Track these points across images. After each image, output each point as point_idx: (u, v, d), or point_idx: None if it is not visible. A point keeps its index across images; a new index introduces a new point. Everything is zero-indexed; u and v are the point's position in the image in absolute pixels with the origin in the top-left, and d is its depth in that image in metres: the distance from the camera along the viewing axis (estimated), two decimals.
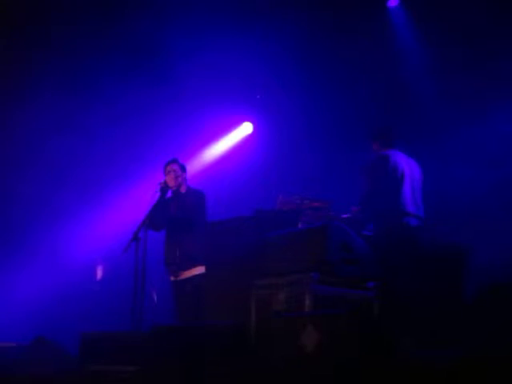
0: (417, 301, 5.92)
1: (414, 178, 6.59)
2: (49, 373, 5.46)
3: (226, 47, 9.16)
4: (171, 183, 6.97)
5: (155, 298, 7.81)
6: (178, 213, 6.90)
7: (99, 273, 9.93)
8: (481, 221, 7.47)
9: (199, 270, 6.68)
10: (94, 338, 5.48)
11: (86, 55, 9.23)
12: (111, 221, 9.79)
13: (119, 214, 9.71)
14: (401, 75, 8.54)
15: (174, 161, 7.14)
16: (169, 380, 4.62)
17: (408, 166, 6.57)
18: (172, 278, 6.98)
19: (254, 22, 9.05)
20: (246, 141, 10.36)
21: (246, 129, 10.41)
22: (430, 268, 6.25)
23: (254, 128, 10.35)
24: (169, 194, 7.09)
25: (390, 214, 6.40)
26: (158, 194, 6.82)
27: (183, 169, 7.12)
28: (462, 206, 7.74)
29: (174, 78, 9.43)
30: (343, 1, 8.64)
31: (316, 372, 3.96)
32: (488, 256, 6.82)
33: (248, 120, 10.37)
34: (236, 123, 10.37)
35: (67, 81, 9.28)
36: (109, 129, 9.68)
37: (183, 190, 7.09)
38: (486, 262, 6.70)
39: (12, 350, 6.15)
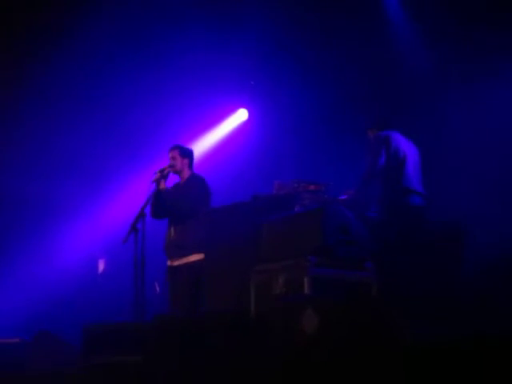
0: (418, 280, 5.93)
1: (414, 158, 6.61)
2: (53, 367, 5.49)
3: (218, 35, 9.13)
4: (169, 170, 6.97)
5: (158, 288, 7.81)
6: (177, 200, 6.88)
7: (101, 266, 9.95)
8: (481, 198, 7.46)
9: (196, 257, 6.67)
10: (96, 330, 5.49)
11: (83, 48, 9.19)
12: (111, 213, 9.78)
13: (119, 205, 9.71)
14: (394, 56, 8.51)
15: (174, 147, 7.12)
16: (172, 370, 4.63)
17: (408, 147, 6.59)
18: (168, 263, 6.98)
19: (246, 9, 9.01)
20: (242, 127, 10.34)
21: (241, 115, 10.38)
22: (433, 246, 6.25)
23: (249, 114, 10.32)
24: (175, 181, 7.09)
25: (394, 192, 6.41)
26: (154, 184, 6.83)
27: (184, 155, 7.08)
28: (461, 183, 7.73)
29: (168, 68, 9.40)
30: None
31: (316, 355, 3.97)
32: (489, 233, 6.83)
33: (243, 106, 10.34)
34: (231, 110, 10.34)
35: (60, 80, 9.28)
36: (104, 122, 9.66)
37: (184, 176, 7.06)
38: (487, 239, 6.71)
39: (15, 345, 6.18)
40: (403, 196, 6.39)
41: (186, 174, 7.06)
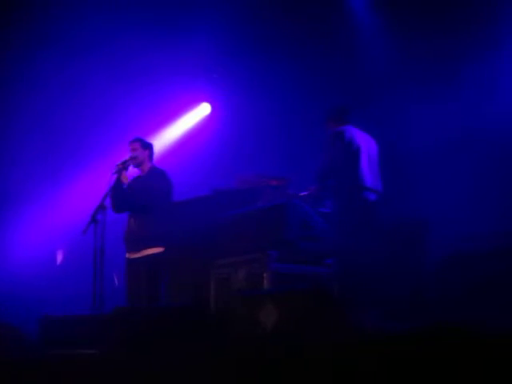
0: (377, 275, 5.98)
1: (370, 152, 6.64)
2: (7, 358, 5.41)
3: (180, 27, 9.10)
4: (131, 162, 6.93)
5: (116, 280, 7.77)
6: (138, 192, 6.84)
7: (59, 257, 9.86)
8: (439, 192, 7.53)
9: (154, 250, 6.64)
10: (53, 321, 5.44)
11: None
12: (70, 204, 9.70)
13: (78, 196, 9.62)
14: (357, 52, 8.58)
15: (135, 139, 7.07)
16: (130, 362, 4.60)
17: (364, 141, 6.61)
18: (126, 255, 6.94)
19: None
20: (205, 121, 10.32)
21: (204, 109, 10.37)
22: (390, 242, 6.30)
23: (212, 108, 10.31)
24: (136, 174, 7.05)
25: (349, 189, 6.43)
26: (115, 176, 6.79)
27: (145, 147, 7.04)
28: (420, 178, 7.80)
29: (130, 60, 9.34)
30: None
31: (275, 349, 3.97)
32: (447, 228, 6.89)
33: (206, 100, 10.32)
34: (194, 104, 10.32)
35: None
36: (63, 111, 9.56)
37: (145, 168, 7.02)
38: (446, 234, 6.78)
39: None
40: (357, 192, 6.43)
41: (147, 166, 7.02)
